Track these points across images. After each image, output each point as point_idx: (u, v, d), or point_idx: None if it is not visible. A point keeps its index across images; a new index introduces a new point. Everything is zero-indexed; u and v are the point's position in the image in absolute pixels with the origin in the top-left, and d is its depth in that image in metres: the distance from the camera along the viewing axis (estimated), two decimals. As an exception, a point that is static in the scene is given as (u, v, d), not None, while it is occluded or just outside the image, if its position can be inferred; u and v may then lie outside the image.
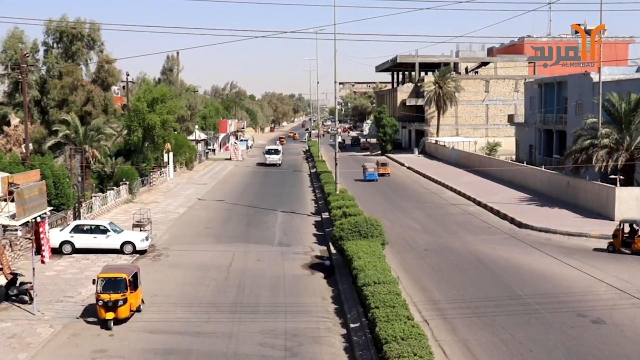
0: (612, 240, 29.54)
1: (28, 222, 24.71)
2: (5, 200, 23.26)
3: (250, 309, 22.31)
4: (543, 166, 50.61)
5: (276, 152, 77.53)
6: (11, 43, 51.65)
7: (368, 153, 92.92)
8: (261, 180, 61.76)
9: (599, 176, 39.58)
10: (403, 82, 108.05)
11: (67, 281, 25.46)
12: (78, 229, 30.45)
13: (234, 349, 18.70)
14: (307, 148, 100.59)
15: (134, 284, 21.00)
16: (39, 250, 22.21)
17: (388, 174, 62.21)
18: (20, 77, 43.59)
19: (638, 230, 29.08)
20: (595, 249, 30.15)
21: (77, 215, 35.96)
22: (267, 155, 76.73)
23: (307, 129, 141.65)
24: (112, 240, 30.03)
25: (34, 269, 21.77)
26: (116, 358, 18.12)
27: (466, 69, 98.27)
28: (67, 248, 29.87)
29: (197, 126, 79.22)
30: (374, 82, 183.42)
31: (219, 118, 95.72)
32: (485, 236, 33.77)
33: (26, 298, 22.48)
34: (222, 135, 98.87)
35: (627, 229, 29.38)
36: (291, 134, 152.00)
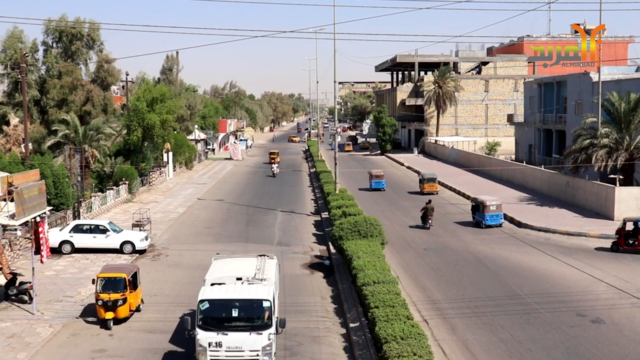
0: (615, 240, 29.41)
1: (27, 221, 24.75)
2: (4, 199, 23.29)
3: (250, 309, 22.27)
4: (542, 166, 50.62)
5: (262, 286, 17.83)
6: (10, 42, 51.63)
7: (368, 152, 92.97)
8: (260, 180, 61.72)
9: (598, 176, 39.61)
10: (402, 82, 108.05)
11: (66, 281, 25.46)
12: (77, 229, 30.42)
13: (233, 348, 18.66)
14: (307, 148, 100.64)
15: (133, 283, 21.01)
16: (38, 250, 22.20)
17: (351, 150, 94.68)
18: (19, 76, 43.58)
19: None
20: (597, 248, 30.19)
21: (76, 215, 35.95)
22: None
23: (307, 129, 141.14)
24: (112, 240, 30.02)
25: (33, 268, 21.76)
26: (115, 358, 18.13)
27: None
28: (66, 248, 29.84)
29: (196, 126, 79.14)
30: (374, 82, 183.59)
31: (219, 118, 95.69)
32: (485, 235, 33.78)
33: (25, 298, 22.48)
34: (221, 135, 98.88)
35: (630, 227, 29.26)
36: (293, 138, 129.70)
